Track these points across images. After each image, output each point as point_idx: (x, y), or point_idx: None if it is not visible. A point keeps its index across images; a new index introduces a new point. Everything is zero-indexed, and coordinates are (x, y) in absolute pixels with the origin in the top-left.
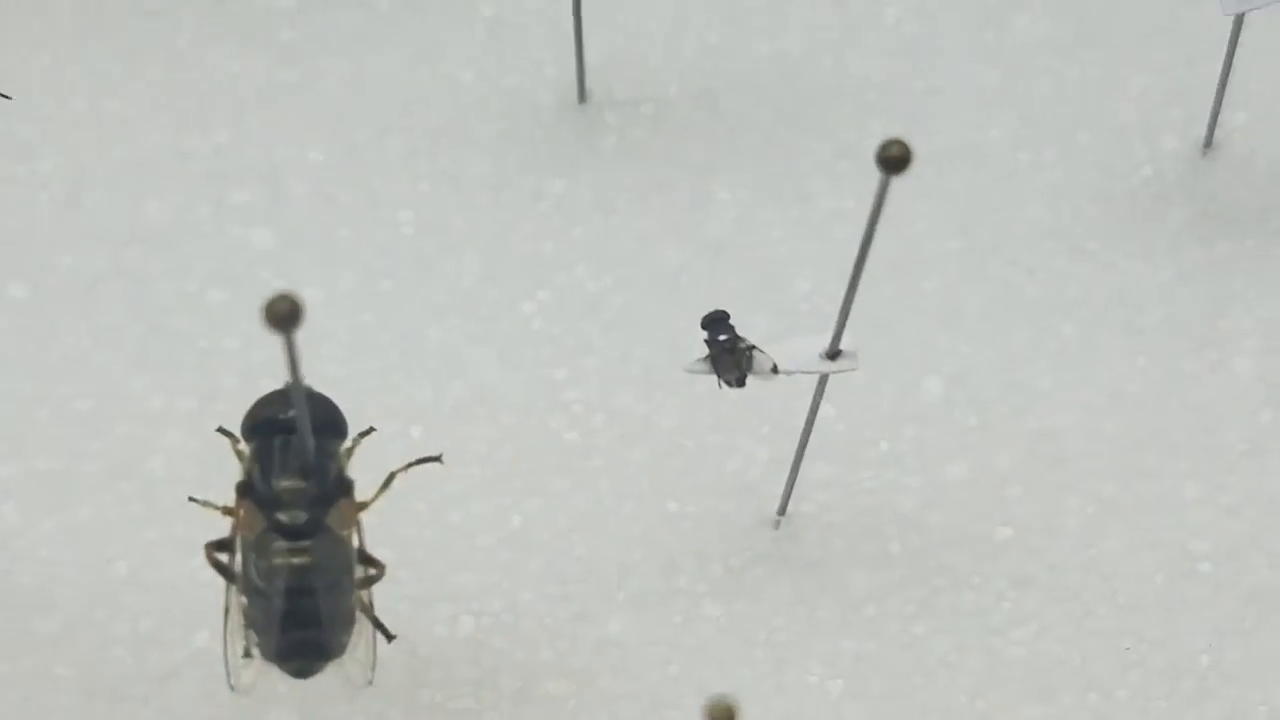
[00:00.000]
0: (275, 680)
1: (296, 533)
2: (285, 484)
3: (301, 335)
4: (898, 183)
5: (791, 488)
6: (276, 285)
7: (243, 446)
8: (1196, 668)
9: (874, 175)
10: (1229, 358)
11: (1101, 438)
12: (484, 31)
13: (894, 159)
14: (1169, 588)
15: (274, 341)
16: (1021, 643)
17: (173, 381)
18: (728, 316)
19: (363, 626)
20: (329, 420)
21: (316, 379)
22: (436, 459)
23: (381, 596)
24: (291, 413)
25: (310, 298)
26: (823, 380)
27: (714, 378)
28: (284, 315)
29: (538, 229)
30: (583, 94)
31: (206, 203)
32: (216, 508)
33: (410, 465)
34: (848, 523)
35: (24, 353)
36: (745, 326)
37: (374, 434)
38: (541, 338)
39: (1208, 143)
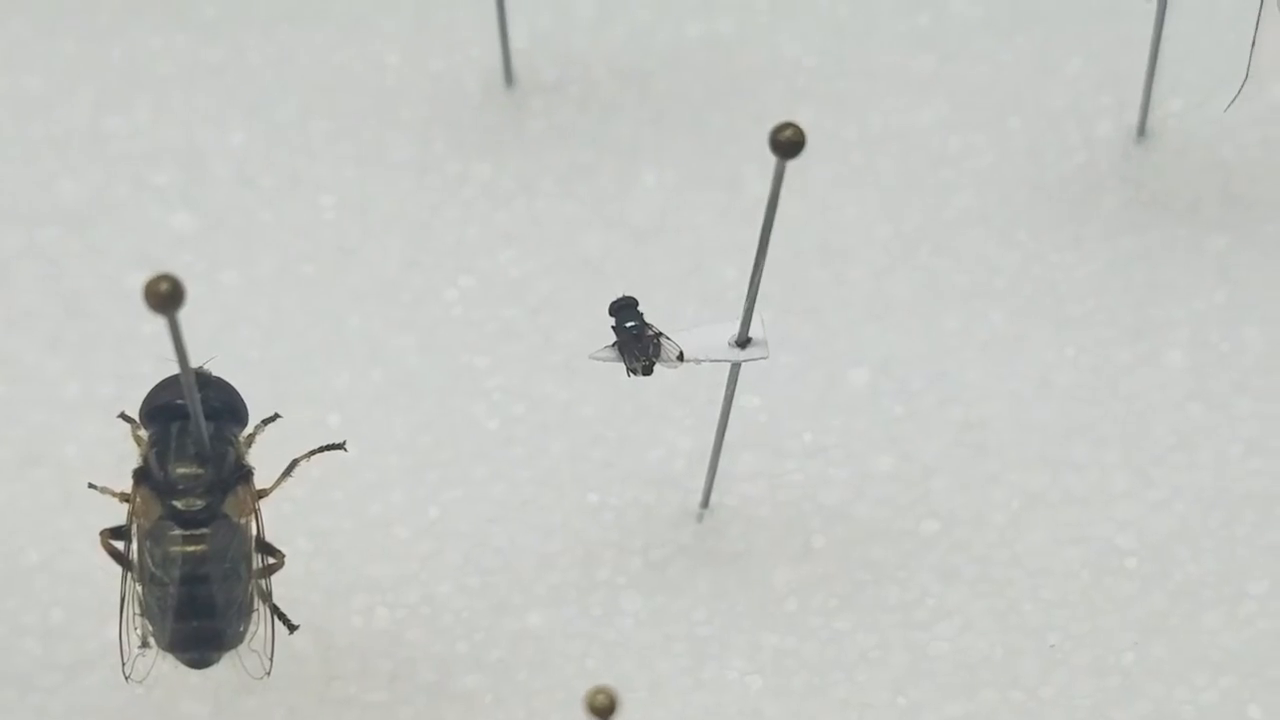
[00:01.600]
0: (186, 671)
1: (192, 520)
2: (181, 470)
3: (219, 319)
4: (826, 168)
5: (713, 480)
6: (197, 269)
7: (141, 432)
8: (1122, 664)
9: (804, 161)
10: (1159, 349)
11: (1029, 429)
12: (410, 13)
13: (787, 142)
14: (1095, 583)
15: (196, 324)
16: (945, 638)
17: (89, 366)
18: (636, 303)
19: (262, 616)
20: (227, 405)
21: (233, 363)
22: (340, 446)
23: (296, 587)
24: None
25: (229, 281)
26: (735, 369)
27: (622, 365)
28: (164, 295)
29: (462, 214)
30: (509, 77)
31: (125, 183)
32: (114, 494)
33: (314, 452)
34: (771, 516)
35: None
36: (672, 314)
37: (290, 421)
38: (463, 324)
39: (1141, 130)
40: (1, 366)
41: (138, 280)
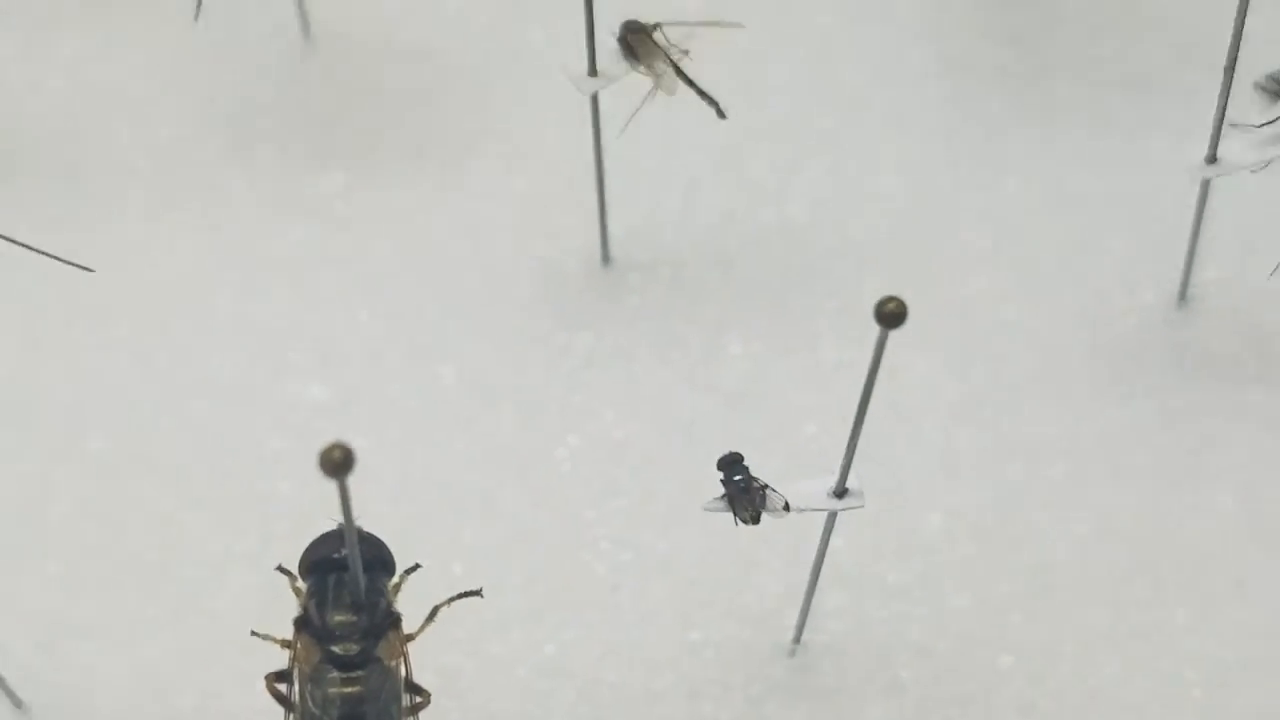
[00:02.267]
0: None
1: (349, 664)
2: (339, 618)
3: (353, 480)
4: (896, 335)
5: (805, 617)
6: (330, 435)
7: (300, 584)
8: None
9: (874, 329)
10: (1212, 495)
11: (1094, 569)
12: (518, 204)
13: (890, 314)
14: (1164, 713)
15: (327, 486)
16: None
17: (235, 523)
18: (742, 458)
19: None
20: (379, 558)
21: (367, 520)
22: (477, 593)
23: None
24: (344, 552)
25: (361, 446)
26: (832, 517)
27: (730, 516)
28: (337, 462)
29: (567, 381)
30: (606, 258)
31: (267, 360)
32: (276, 641)
33: (453, 599)
34: (859, 651)
35: (103, 503)
36: (758, 467)
37: (419, 570)
38: (572, 480)
39: (1182, 296)
40: (156, 526)
41: (277, 446)
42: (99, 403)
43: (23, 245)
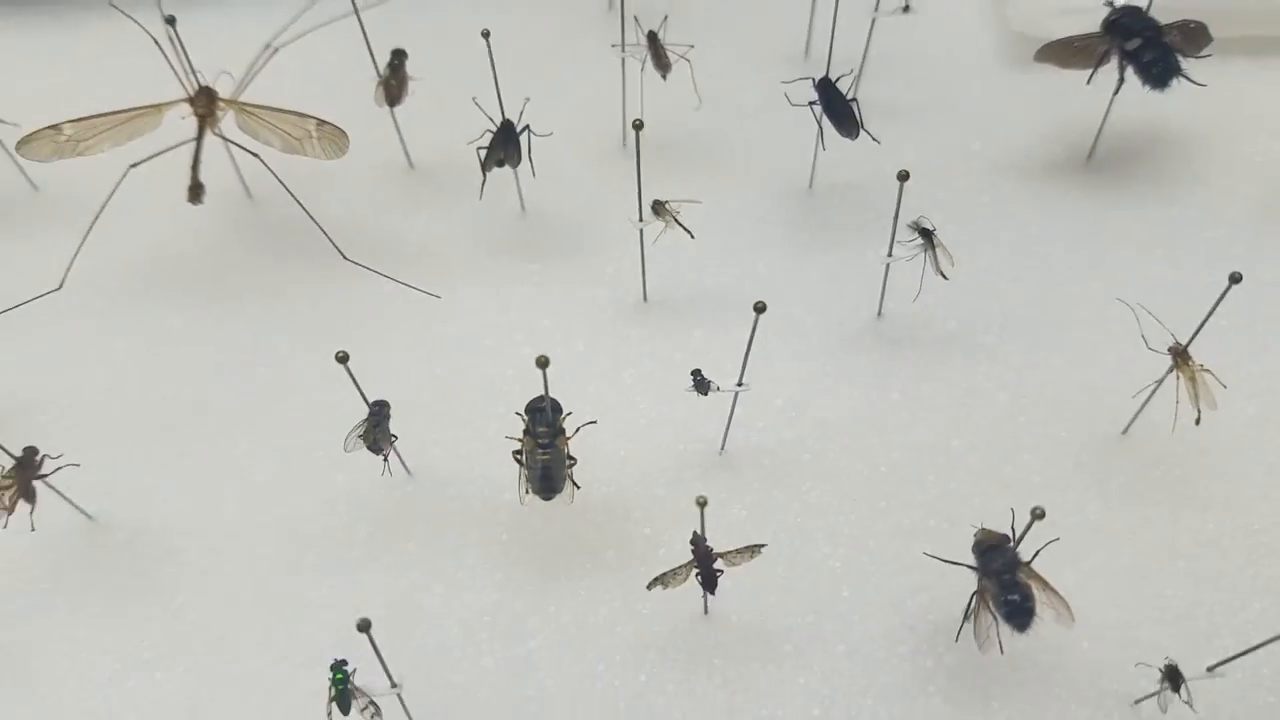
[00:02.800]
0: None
1: (544, 447)
2: (540, 428)
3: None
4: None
5: (727, 431)
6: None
7: (524, 415)
8: None
9: None
10: None
11: None
12: (601, 283)
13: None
14: None
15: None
16: None
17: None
18: (699, 371)
19: (570, 481)
20: (555, 405)
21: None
22: (593, 422)
23: None
24: (543, 403)
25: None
26: (736, 396)
27: (695, 394)
28: (542, 362)
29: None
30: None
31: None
32: (520, 439)
33: (580, 427)
34: (774, 455)
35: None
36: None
37: (569, 415)
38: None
39: None
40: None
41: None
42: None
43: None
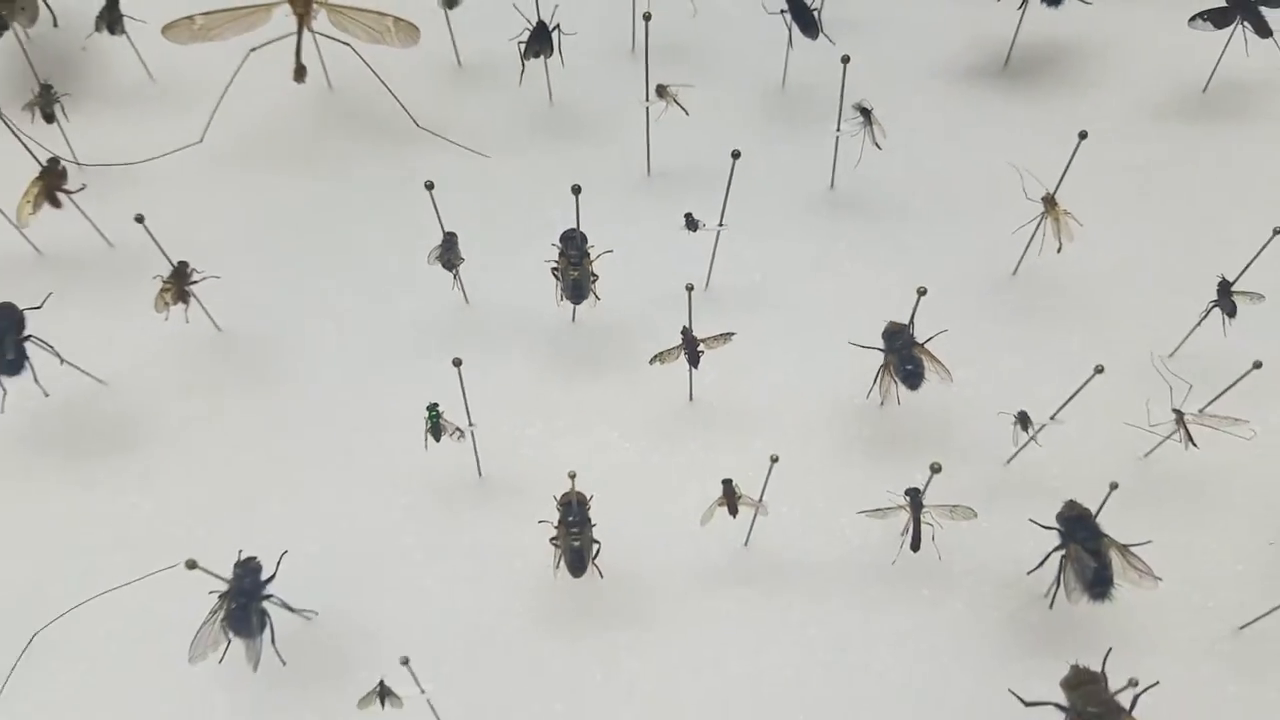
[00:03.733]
0: None
1: (576, 266)
2: (571, 252)
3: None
4: None
5: (710, 274)
6: None
7: (559, 245)
8: None
9: None
10: None
11: None
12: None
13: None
14: None
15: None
16: None
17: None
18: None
19: (595, 292)
20: (585, 237)
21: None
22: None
23: None
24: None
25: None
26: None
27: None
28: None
29: None
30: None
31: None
32: (556, 276)
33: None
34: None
35: None
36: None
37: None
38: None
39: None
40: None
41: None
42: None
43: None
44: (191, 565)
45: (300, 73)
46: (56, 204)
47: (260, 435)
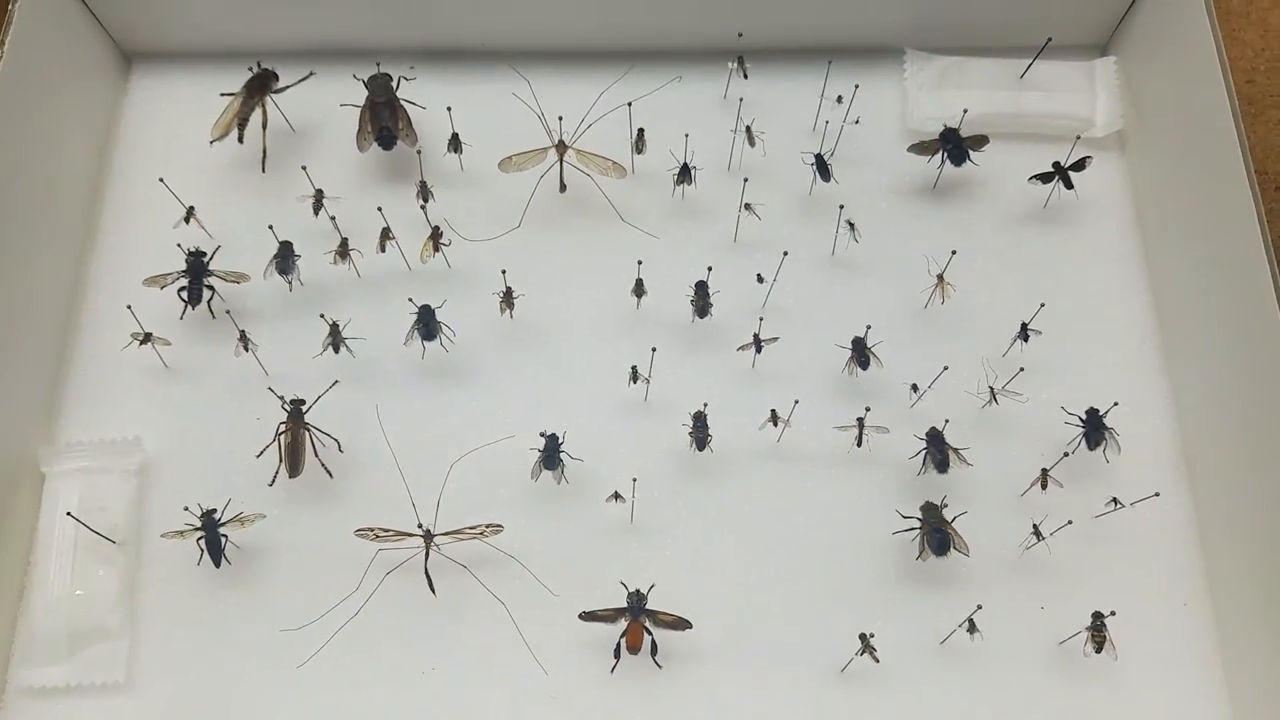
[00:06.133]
0: None
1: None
2: None
3: None
4: None
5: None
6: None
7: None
8: None
9: None
10: None
11: None
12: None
13: None
14: None
15: None
16: None
17: None
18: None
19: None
20: None
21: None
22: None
23: None
24: None
25: None
26: None
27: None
28: None
29: None
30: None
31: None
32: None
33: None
34: None
35: None
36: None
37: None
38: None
39: None
40: None
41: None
42: None
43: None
44: None
45: (563, 188)
46: (438, 250)
47: None
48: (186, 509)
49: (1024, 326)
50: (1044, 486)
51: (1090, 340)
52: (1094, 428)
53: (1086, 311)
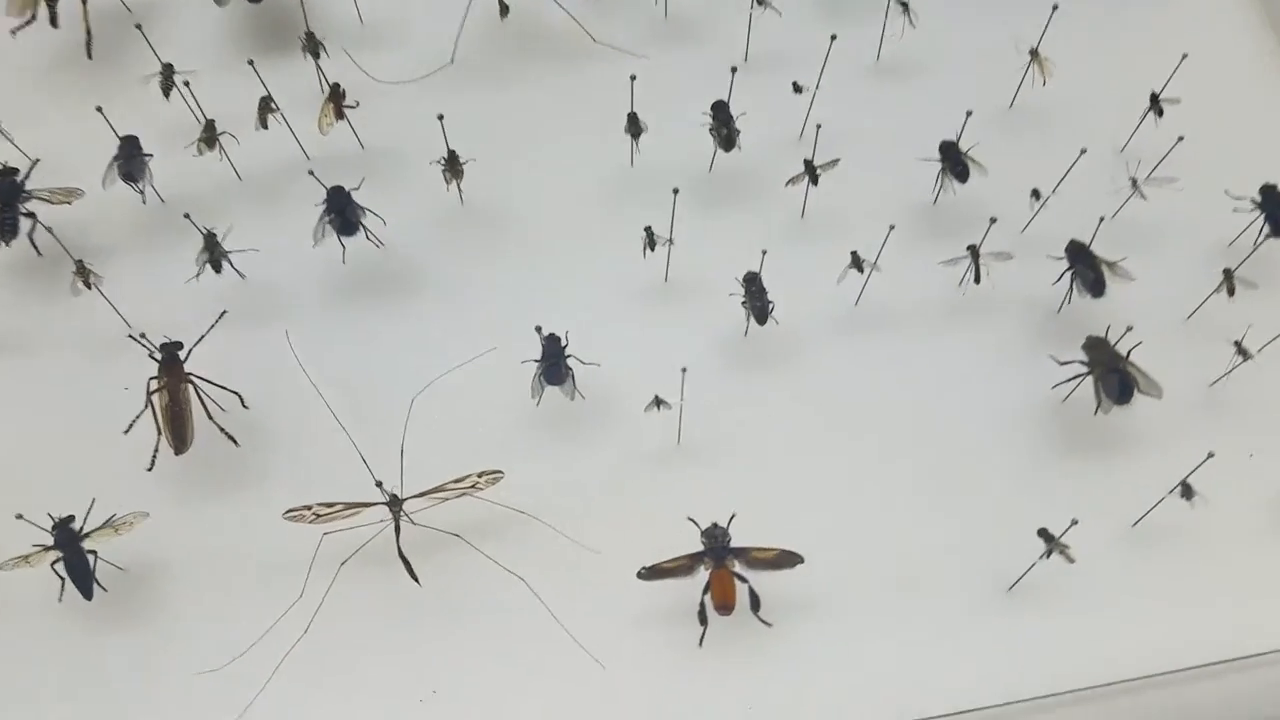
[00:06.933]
0: None
1: None
2: None
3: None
4: None
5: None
6: None
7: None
8: None
9: None
10: None
11: None
12: None
13: None
14: None
15: None
16: None
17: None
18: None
19: None
20: None
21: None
22: None
23: None
24: None
25: None
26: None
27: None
28: None
29: None
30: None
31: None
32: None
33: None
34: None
35: None
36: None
37: None
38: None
39: None
40: None
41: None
42: None
43: None
44: None
45: None
46: (341, 116)
47: None
48: (20, 517)
49: (1154, 98)
50: (1230, 292)
51: (1235, 107)
52: (1277, 206)
53: (1221, 71)
